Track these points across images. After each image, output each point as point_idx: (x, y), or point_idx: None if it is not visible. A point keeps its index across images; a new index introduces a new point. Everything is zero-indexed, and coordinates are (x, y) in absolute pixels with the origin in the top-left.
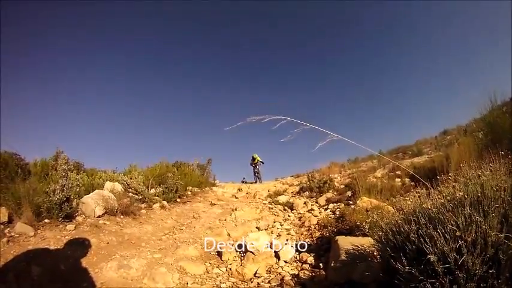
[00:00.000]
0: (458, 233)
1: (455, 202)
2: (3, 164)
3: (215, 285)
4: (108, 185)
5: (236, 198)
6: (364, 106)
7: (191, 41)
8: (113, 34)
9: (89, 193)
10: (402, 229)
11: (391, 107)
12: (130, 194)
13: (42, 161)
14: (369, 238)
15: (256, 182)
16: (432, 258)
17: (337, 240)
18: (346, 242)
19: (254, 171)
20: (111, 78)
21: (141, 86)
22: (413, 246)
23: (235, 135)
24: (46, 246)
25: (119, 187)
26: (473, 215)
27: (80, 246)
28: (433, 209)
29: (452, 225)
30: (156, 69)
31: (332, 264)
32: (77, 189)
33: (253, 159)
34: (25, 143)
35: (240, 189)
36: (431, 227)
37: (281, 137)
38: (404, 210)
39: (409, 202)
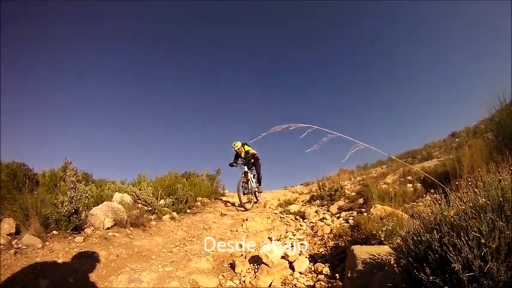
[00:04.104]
0: (482, 240)
1: (477, 208)
2: (11, 174)
3: None
4: (117, 196)
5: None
6: (368, 111)
7: (203, 47)
8: (120, 39)
9: (98, 205)
10: (423, 238)
11: (398, 110)
12: (139, 205)
13: (50, 172)
14: (386, 247)
15: (247, 204)
16: (457, 266)
17: (353, 249)
18: (362, 252)
19: (243, 177)
20: (120, 87)
21: (150, 94)
22: (436, 255)
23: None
24: (54, 259)
25: (128, 198)
26: (496, 221)
27: (89, 258)
28: (455, 216)
29: (475, 232)
30: (166, 77)
31: (349, 275)
32: (86, 201)
33: (239, 153)
34: (32, 153)
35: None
36: (454, 235)
37: (292, 143)
38: (425, 218)
39: (429, 209)
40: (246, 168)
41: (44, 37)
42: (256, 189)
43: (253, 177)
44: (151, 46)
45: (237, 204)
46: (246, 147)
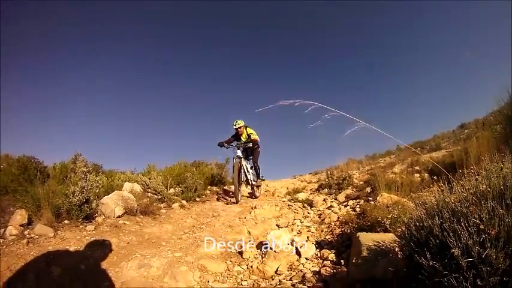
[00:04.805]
0: (481, 227)
1: (478, 195)
2: (22, 167)
3: (236, 283)
4: (127, 185)
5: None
6: (380, 101)
7: (212, 39)
8: (131, 35)
9: (108, 194)
10: (425, 224)
11: (408, 101)
12: (149, 194)
13: (60, 164)
14: (391, 234)
15: (239, 197)
16: (456, 252)
17: (358, 236)
18: (367, 239)
19: (238, 167)
20: (127, 78)
21: (157, 85)
22: (437, 241)
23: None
24: (66, 247)
25: (138, 187)
26: (496, 208)
27: (100, 246)
28: (456, 203)
29: (475, 218)
30: (172, 67)
31: (354, 261)
32: (96, 191)
33: (239, 134)
34: (42, 146)
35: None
36: (454, 221)
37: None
38: (427, 205)
39: (432, 196)
40: (239, 153)
41: (54, 32)
42: (254, 182)
43: (250, 168)
44: (162, 39)
45: (247, 193)
46: (249, 130)
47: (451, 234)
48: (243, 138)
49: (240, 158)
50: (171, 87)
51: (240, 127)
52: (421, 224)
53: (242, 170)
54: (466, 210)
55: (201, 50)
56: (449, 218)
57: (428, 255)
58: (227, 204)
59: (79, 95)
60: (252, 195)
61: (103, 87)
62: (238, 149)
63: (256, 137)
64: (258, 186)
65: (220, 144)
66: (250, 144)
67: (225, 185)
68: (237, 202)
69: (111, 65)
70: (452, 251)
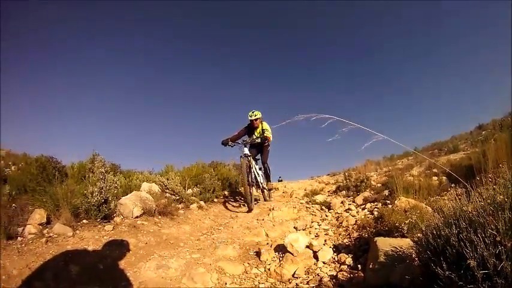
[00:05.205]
0: (498, 238)
1: (496, 205)
2: (41, 167)
3: (254, 286)
4: (145, 186)
5: (271, 197)
6: (398, 103)
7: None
8: (149, 34)
9: (127, 194)
10: (443, 232)
11: (426, 103)
12: (167, 195)
13: (79, 164)
14: (408, 239)
15: (251, 204)
16: (472, 263)
17: (376, 241)
18: (385, 244)
19: (247, 166)
20: (145, 79)
21: (174, 86)
22: (454, 251)
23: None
24: (85, 246)
25: (156, 188)
26: None
27: (118, 246)
28: (474, 212)
29: (492, 229)
30: (191, 69)
31: (371, 266)
32: (115, 191)
33: (253, 127)
34: (60, 146)
35: (276, 189)
36: (471, 231)
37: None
38: (445, 212)
39: (449, 204)
40: (246, 151)
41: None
42: (264, 185)
43: (258, 169)
44: (182, 38)
45: (266, 194)
46: (265, 125)
47: (467, 244)
48: (257, 132)
49: (248, 156)
50: (190, 87)
51: (256, 119)
52: (438, 232)
53: (252, 171)
54: (483, 220)
55: (229, 49)
56: (466, 228)
57: (444, 265)
58: (239, 207)
59: (100, 95)
60: (263, 200)
61: (120, 87)
62: (246, 146)
63: (270, 135)
64: (269, 190)
65: (224, 143)
66: (259, 140)
67: (242, 186)
68: (250, 210)
69: (133, 64)
70: (468, 261)
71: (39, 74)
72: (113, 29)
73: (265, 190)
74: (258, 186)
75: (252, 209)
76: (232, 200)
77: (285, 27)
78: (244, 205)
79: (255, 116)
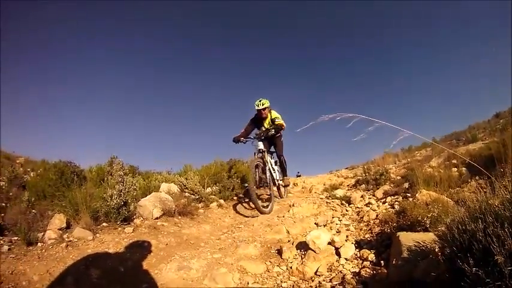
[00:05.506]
0: None
1: None
2: (59, 173)
3: (276, 285)
4: (164, 186)
5: (291, 193)
6: (414, 93)
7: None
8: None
9: (146, 196)
10: (468, 227)
11: (441, 92)
12: (186, 194)
13: (97, 167)
14: (431, 234)
15: (264, 207)
16: (500, 259)
17: (398, 236)
18: (407, 239)
19: (257, 158)
20: (145, 79)
21: (192, 85)
22: (480, 246)
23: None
24: (105, 250)
25: (175, 188)
26: None
27: (139, 248)
28: (500, 206)
29: None
30: (191, 69)
31: (393, 262)
32: (134, 193)
33: (261, 118)
34: (79, 149)
35: (295, 184)
36: (498, 225)
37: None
38: (470, 207)
39: (473, 196)
40: (261, 145)
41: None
42: (280, 181)
43: (274, 163)
44: (182, 38)
45: (282, 191)
46: (274, 114)
47: (494, 239)
48: (266, 124)
49: (263, 152)
50: (191, 86)
51: (264, 108)
52: (464, 227)
53: (267, 168)
54: (510, 214)
55: (229, 49)
56: (492, 223)
57: (471, 261)
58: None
59: (99, 95)
60: (279, 197)
61: (121, 87)
62: (260, 140)
63: (282, 122)
64: (285, 186)
65: (236, 140)
66: (273, 131)
67: None
68: (262, 213)
69: (133, 64)
70: (496, 257)
71: (39, 74)
72: (113, 29)
73: (281, 187)
74: (274, 184)
75: (264, 212)
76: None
77: (284, 27)
78: (265, 200)
79: (263, 105)
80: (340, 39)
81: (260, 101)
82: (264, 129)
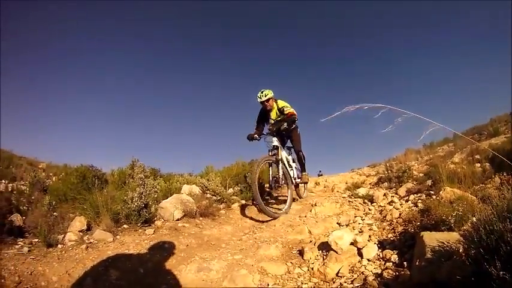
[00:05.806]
0: None
1: None
2: (80, 177)
3: (297, 286)
4: (186, 188)
5: (313, 193)
6: (414, 93)
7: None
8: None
9: (167, 198)
10: (496, 227)
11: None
12: (208, 196)
13: (118, 170)
14: (455, 233)
15: (278, 210)
16: None
17: (422, 236)
18: (431, 239)
19: (270, 156)
20: (145, 79)
21: (192, 85)
22: (508, 248)
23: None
24: (125, 251)
25: (196, 189)
26: None
27: (159, 249)
28: None
29: None
30: (210, 68)
31: (417, 263)
32: (155, 195)
33: (267, 110)
34: (100, 153)
35: (317, 183)
36: None
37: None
38: (497, 205)
39: (499, 193)
40: (276, 142)
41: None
42: (298, 179)
43: (291, 160)
44: (182, 38)
45: (301, 191)
46: (280, 103)
47: None
48: (273, 115)
49: (278, 148)
50: (228, 88)
51: (267, 99)
52: (491, 227)
53: (280, 166)
54: None
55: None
56: None
57: (498, 264)
58: (281, 203)
59: (100, 95)
60: (297, 197)
61: (121, 87)
62: (273, 135)
63: (292, 110)
64: (304, 184)
65: (250, 138)
66: (285, 124)
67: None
68: (271, 217)
69: (133, 64)
70: None
71: (39, 74)
72: (112, 29)
73: (298, 184)
74: (291, 183)
75: (275, 218)
76: (274, 198)
77: (284, 27)
78: (281, 202)
79: (266, 96)
80: (340, 39)
81: (262, 92)
82: (272, 122)
